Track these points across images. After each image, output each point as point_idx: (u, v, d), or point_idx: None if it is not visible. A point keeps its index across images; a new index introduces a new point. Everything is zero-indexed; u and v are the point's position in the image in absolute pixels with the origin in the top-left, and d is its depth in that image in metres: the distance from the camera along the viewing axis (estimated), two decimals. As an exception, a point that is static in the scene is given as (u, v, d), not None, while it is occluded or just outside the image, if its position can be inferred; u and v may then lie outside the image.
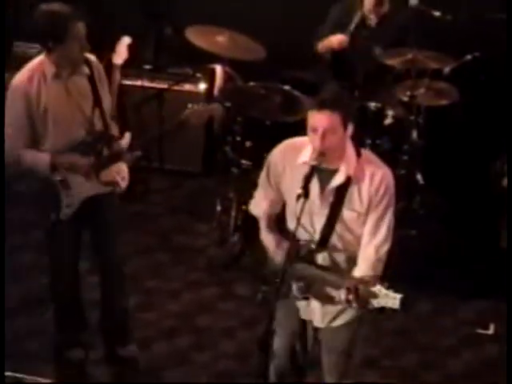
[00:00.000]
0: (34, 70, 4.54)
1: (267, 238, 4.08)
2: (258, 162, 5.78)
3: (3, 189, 6.01)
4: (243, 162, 5.84)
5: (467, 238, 6.02)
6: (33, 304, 5.36)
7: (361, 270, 3.88)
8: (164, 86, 6.33)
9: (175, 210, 6.28)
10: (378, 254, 3.89)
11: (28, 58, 6.47)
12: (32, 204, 5.02)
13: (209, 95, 6.53)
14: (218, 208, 6.05)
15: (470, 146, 6.38)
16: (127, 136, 4.74)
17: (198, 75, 6.53)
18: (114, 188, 4.74)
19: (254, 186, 5.63)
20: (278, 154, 4.04)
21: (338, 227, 3.92)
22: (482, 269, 5.75)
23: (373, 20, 5.96)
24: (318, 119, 3.79)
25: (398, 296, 3.67)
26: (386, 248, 3.90)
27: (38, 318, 5.23)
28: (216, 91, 6.53)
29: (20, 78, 4.54)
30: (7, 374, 4.66)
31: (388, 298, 3.67)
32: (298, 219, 3.81)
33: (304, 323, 4.17)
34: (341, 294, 3.82)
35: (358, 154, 3.91)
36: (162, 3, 6.88)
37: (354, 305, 3.77)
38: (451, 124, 6.33)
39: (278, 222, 4.11)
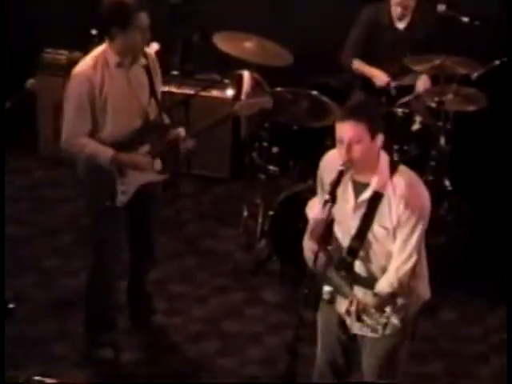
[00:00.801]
0: (97, 57, 4.63)
1: (306, 242, 4.05)
2: (285, 167, 5.82)
3: (3, 189, 6.09)
4: (270, 167, 5.84)
5: (495, 245, 5.98)
6: (62, 307, 5.40)
7: (380, 286, 3.92)
8: (191, 91, 6.35)
9: (202, 215, 6.30)
10: (398, 272, 3.90)
11: (57, 65, 6.66)
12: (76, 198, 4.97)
13: (237, 101, 6.54)
14: (245, 213, 6.06)
15: (498, 152, 6.34)
16: (182, 129, 4.81)
17: (226, 81, 6.54)
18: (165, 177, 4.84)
19: (281, 191, 5.69)
20: (322, 162, 4.07)
21: (370, 240, 3.93)
22: (510, 275, 5.71)
23: (400, 24, 5.94)
24: (343, 130, 3.81)
25: (398, 325, 3.88)
26: (407, 267, 3.90)
27: (66, 321, 5.27)
28: (243, 97, 6.54)
29: (84, 65, 4.62)
30: (35, 378, 4.70)
31: (376, 322, 3.87)
32: (326, 224, 3.82)
33: (347, 335, 4.13)
34: (343, 305, 3.91)
35: (392, 169, 3.90)
36: (190, 9, 6.90)
37: (353, 317, 3.86)
38: (479, 130, 6.30)
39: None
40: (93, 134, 4.66)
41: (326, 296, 3.98)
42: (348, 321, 4.04)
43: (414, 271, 3.93)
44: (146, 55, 4.73)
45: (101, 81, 4.60)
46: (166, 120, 4.88)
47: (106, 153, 4.64)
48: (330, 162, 3.99)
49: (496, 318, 5.51)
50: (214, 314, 5.45)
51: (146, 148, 4.76)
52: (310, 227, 3.93)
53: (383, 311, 3.92)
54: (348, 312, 3.93)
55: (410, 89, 5.99)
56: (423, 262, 4.05)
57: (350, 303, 3.93)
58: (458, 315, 5.52)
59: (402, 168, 3.95)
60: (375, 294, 3.91)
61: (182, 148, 4.82)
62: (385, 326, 3.96)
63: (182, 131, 4.83)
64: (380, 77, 5.94)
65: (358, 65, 6.01)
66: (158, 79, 4.81)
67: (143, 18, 4.56)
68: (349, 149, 3.80)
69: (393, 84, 5.92)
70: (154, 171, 4.77)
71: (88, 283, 5.04)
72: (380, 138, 3.86)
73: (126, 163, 4.69)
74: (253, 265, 5.80)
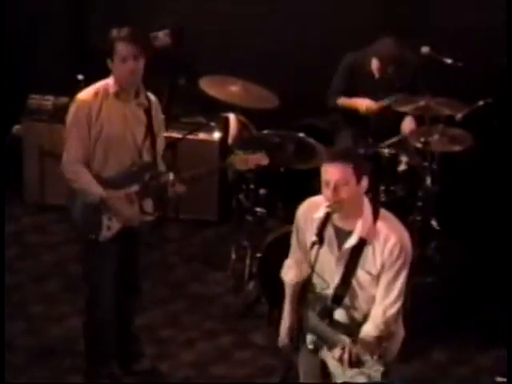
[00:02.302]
0: (99, 87, 4.78)
1: (286, 308, 4.09)
2: (272, 209, 5.82)
3: (3, 190, 6.07)
4: (257, 209, 5.84)
5: (484, 285, 5.97)
6: (51, 354, 5.36)
7: (366, 330, 3.90)
8: (178, 135, 6.36)
9: (190, 258, 6.28)
10: (384, 316, 3.89)
11: (42, 110, 6.67)
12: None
13: (223, 144, 6.57)
14: (233, 256, 6.05)
15: (485, 192, 6.36)
16: (171, 173, 4.87)
17: (212, 124, 6.57)
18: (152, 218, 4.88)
19: (268, 233, 5.68)
20: (301, 210, 4.08)
21: (354, 287, 3.93)
22: (500, 316, 5.70)
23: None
24: (330, 172, 3.84)
25: (381, 369, 3.78)
26: (393, 311, 3.90)
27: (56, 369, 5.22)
28: (230, 140, 6.56)
29: (85, 92, 4.78)
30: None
31: (371, 369, 3.78)
32: (312, 267, 3.83)
33: (328, 375, 4.12)
34: (335, 352, 3.84)
35: (375, 215, 3.91)
36: (175, 54, 6.95)
37: (345, 365, 3.81)
38: (465, 170, 6.33)
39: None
40: (88, 161, 4.75)
41: (310, 345, 3.95)
42: (330, 365, 4.00)
43: (399, 314, 3.92)
44: (149, 100, 4.84)
45: (98, 109, 4.72)
46: (162, 166, 4.94)
47: (96, 191, 4.71)
48: (307, 211, 4.00)
49: (487, 358, 5.48)
50: (203, 358, 5.41)
51: (135, 188, 4.80)
52: (289, 291, 3.98)
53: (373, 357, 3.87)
54: (341, 360, 3.84)
55: (398, 130, 6.03)
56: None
57: (343, 350, 3.84)
58: (448, 355, 5.49)
59: (383, 212, 3.97)
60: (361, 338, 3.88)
61: (171, 192, 4.85)
62: (384, 373, 3.89)
63: (170, 175, 4.86)
64: (362, 103, 5.97)
65: (342, 100, 6.05)
66: (157, 124, 4.87)
67: (121, 47, 4.66)
68: (335, 190, 3.82)
69: (375, 106, 5.91)
70: (140, 210, 4.80)
71: (84, 317, 5.04)
72: (365, 181, 3.88)
73: (111, 208, 4.72)
74: (241, 308, 5.77)
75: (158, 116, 4.91)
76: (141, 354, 5.23)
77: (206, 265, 6.19)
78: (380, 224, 3.90)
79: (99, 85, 4.80)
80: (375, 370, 3.83)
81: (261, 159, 5.01)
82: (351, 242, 3.89)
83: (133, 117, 4.79)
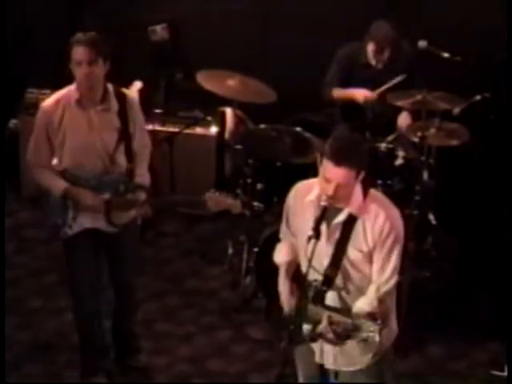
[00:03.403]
0: (62, 95, 4.78)
1: (282, 286, 4.05)
2: (270, 204, 5.82)
3: (3, 190, 6.06)
4: (255, 204, 5.84)
5: (480, 279, 5.98)
6: (47, 349, 5.36)
7: (358, 305, 3.86)
8: (175, 129, 6.35)
9: (187, 253, 6.27)
10: (378, 292, 3.87)
11: (40, 105, 6.65)
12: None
13: (220, 138, 6.57)
14: (230, 251, 6.05)
15: (482, 186, 6.36)
16: (143, 194, 4.82)
17: (209, 118, 6.56)
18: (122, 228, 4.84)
19: (265, 227, 5.68)
20: (291, 195, 4.06)
21: (346, 266, 3.91)
22: (496, 310, 5.71)
23: (377, 64, 5.98)
24: (334, 173, 3.79)
25: (378, 327, 3.69)
26: (387, 287, 3.88)
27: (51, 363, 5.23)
28: (227, 134, 6.56)
29: (48, 100, 4.80)
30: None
31: (369, 331, 3.70)
32: (310, 261, 3.81)
33: (324, 369, 4.10)
34: (322, 328, 3.80)
35: (365, 193, 3.91)
36: (173, 48, 6.94)
37: (335, 338, 3.76)
38: (462, 164, 6.33)
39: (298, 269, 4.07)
40: (50, 166, 4.80)
41: (307, 336, 3.91)
42: (318, 353, 3.98)
43: (393, 291, 3.90)
44: (124, 100, 4.75)
45: (60, 117, 4.72)
46: (142, 177, 4.86)
47: (58, 186, 4.77)
48: (299, 194, 3.98)
49: (483, 352, 5.48)
50: (200, 352, 5.41)
51: (106, 196, 4.78)
52: (282, 271, 3.94)
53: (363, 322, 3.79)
54: (327, 331, 3.78)
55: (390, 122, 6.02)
56: (394, 296, 4.01)
57: (330, 324, 3.78)
58: (445, 350, 5.49)
59: (373, 191, 3.96)
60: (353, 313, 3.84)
61: (138, 211, 4.84)
62: (380, 331, 3.76)
63: (142, 195, 4.82)
64: (359, 93, 5.94)
65: (337, 92, 6.03)
66: (136, 126, 4.80)
67: (76, 52, 4.62)
68: (336, 189, 3.80)
69: (374, 94, 5.89)
70: (107, 220, 4.80)
71: (74, 311, 5.08)
72: (361, 176, 3.86)
73: (74, 198, 4.76)
74: (238, 302, 5.77)
75: (134, 115, 4.80)
76: (136, 349, 5.23)
77: (203, 259, 6.19)
78: (370, 203, 3.88)
79: (62, 92, 4.77)
80: (372, 330, 3.74)
81: (233, 206, 4.92)
82: (340, 218, 3.86)
83: (100, 122, 4.72)
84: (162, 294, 5.87)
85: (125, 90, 4.85)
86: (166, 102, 6.81)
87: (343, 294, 3.94)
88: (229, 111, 6.48)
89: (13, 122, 6.72)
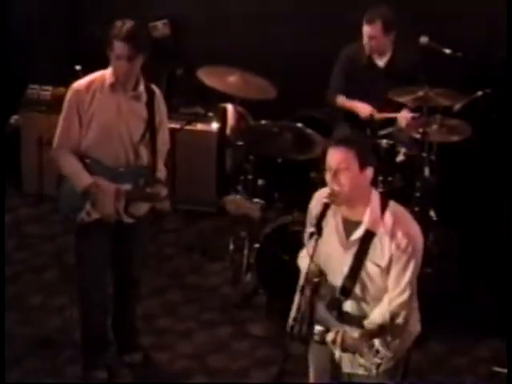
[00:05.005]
0: (95, 78, 4.80)
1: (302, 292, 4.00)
2: (271, 200, 5.81)
3: (3, 189, 6.05)
4: (255, 200, 5.84)
5: (482, 276, 5.97)
6: (47, 345, 5.36)
7: (371, 317, 3.91)
8: (176, 125, 6.35)
9: (188, 249, 6.27)
10: (390, 305, 3.89)
11: (41, 101, 6.66)
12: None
13: (221, 134, 6.56)
14: (231, 247, 6.04)
15: (483, 182, 6.36)
16: (165, 189, 4.84)
17: (210, 114, 6.56)
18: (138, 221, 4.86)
19: (266, 224, 5.67)
20: (313, 201, 4.05)
21: (363, 278, 3.91)
22: (497, 306, 5.70)
23: (380, 61, 5.97)
24: (332, 155, 3.81)
25: (378, 361, 3.82)
26: (399, 301, 3.88)
27: (52, 360, 5.22)
28: (228, 130, 6.55)
29: (80, 82, 4.80)
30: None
31: (369, 363, 3.82)
32: (311, 257, 3.81)
33: (338, 367, 4.10)
34: (329, 335, 3.86)
35: (383, 208, 3.89)
36: (174, 44, 6.93)
37: (338, 347, 3.83)
38: (463, 160, 6.32)
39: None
40: (79, 148, 4.77)
41: (317, 337, 3.93)
42: (337, 355, 4.00)
43: (408, 306, 3.91)
44: (152, 94, 4.81)
45: (91, 98, 4.73)
46: (162, 172, 4.89)
47: (85, 178, 4.74)
48: (318, 202, 3.96)
49: (485, 349, 5.48)
50: (200, 348, 5.41)
51: (126, 187, 4.79)
52: (303, 280, 3.92)
53: (372, 345, 3.86)
54: (334, 343, 3.87)
55: (394, 121, 6.02)
56: (414, 296, 4.02)
57: (336, 334, 3.87)
58: (446, 346, 5.50)
59: (392, 204, 3.93)
60: (366, 326, 3.89)
61: (158, 206, 4.84)
62: (378, 366, 3.90)
63: (164, 190, 4.84)
64: (363, 108, 5.97)
65: (342, 101, 6.04)
66: (159, 117, 4.84)
67: (117, 46, 4.64)
68: (335, 175, 3.79)
69: (377, 116, 5.93)
70: (125, 211, 4.79)
71: (79, 304, 5.06)
72: (370, 172, 3.85)
73: (94, 198, 4.73)
74: (239, 298, 5.77)
75: (161, 109, 4.87)
76: (134, 346, 5.21)
77: (204, 256, 6.19)
78: (388, 216, 3.86)
79: (96, 75, 4.80)
80: (371, 363, 3.83)
81: (252, 210, 4.91)
82: (358, 233, 3.87)
83: (128, 109, 4.76)
84: (163, 290, 5.87)
85: (152, 86, 4.86)
86: (167, 98, 6.74)
87: (360, 303, 3.96)
88: (230, 107, 6.48)
89: (14, 118, 6.71)
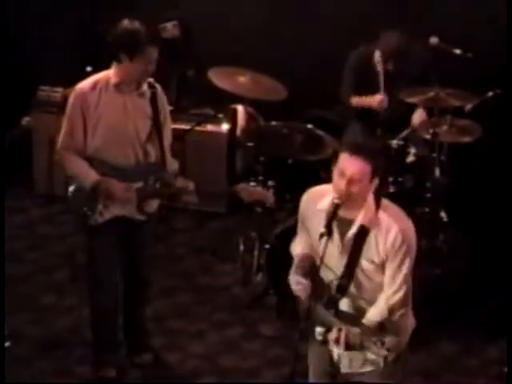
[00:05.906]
0: (99, 78, 4.79)
1: (292, 277, 4.05)
2: (281, 201, 5.82)
3: (3, 189, 6.07)
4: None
5: (492, 277, 5.97)
6: (58, 345, 5.38)
7: (368, 316, 3.91)
8: (186, 127, 6.36)
9: (198, 250, 6.28)
10: (387, 302, 3.90)
11: (52, 102, 6.69)
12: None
13: (231, 135, 6.57)
14: (241, 248, 6.05)
15: (494, 183, 6.35)
16: (191, 183, 4.86)
17: (220, 116, 6.57)
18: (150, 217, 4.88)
19: (277, 224, 5.68)
20: (304, 200, 4.06)
21: (358, 276, 3.92)
22: (508, 307, 5.70)
23: (389, 64, 5.97)
24: (349, 163, 3.79)
25: (385, 353, 3.80)
26: (396, 298, 3.89)
27: (63, 359, 5.24)
28: (238, 131, 6.56)
29: (84, 83, 4.80)
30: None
31: (376, 355, 3.81)
32: (322, 258, 3.83)
33: (336, 368, 4.10)
34: (332, 334, 3.85)
35: (377, 205, 3.90)
36: (184, 45, 6.95)
37: (342, 346, 3.81)
38: (474, 161, 6.31)
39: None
40: (84, 149, 4.78)
41: (318, 337, 3.93)
42: (335, 355, 4.00)
43: (405, 302, 3.92)
44: (155, 91, 4.82)
45: (97, 99, 4.73)
46: (174, 165, 4.92)
47: (90, 177, 4.75)
48: (311, 201, 3.98)
49: (495, 349, 5.48)
50: (211, 349, 5.42)
51: (138, 185, 4.81)
52: (296, 264, 3.97)
53: (377, 338, 3.85)
54: (337, 342, 3.85)
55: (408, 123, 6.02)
56: (409, 292, 4.01)
57: (339, 332, 3.84)
58: (456, 347, 5.49)
59: (386, 202, 3.95)
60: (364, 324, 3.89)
61: (184, 199, 4.85)
62: (385, 358, 3.90)
63: (191, 185, 4.86)
64: (374, 99, 5.93)
65: (355, 100, 6.03)
66: (163, 114, 4.85)
67: (152, 52, 4.68)
68: (349, 183, 3.79)
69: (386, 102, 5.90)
70: (139, 209, 4.81)
71: (90, 303, 5.08)
72: (376, 182, 3.86)
73: (105, 190, 4.75)
74: (249, 299, 5.78)
75: (164, 106, 4.89)
76: (144, 347, 5.22)
77: (215, 256, 6.20)
78: (382, 213, 3.88)
79: (100, 76, 4.80)
80: (379, 355, 3.82)
81: (266, 197, 4.93)
82: (352, 230, 3.88)
83: (134, 108, 4.78)
84: (174, 290, 5.88)
85: (153, 83, 4.87)
86: (178, 99, 6.81)
87: (357, 301, 3.97)
88: (240, 108, 6.49)
89: (25, 119, 6.73)
